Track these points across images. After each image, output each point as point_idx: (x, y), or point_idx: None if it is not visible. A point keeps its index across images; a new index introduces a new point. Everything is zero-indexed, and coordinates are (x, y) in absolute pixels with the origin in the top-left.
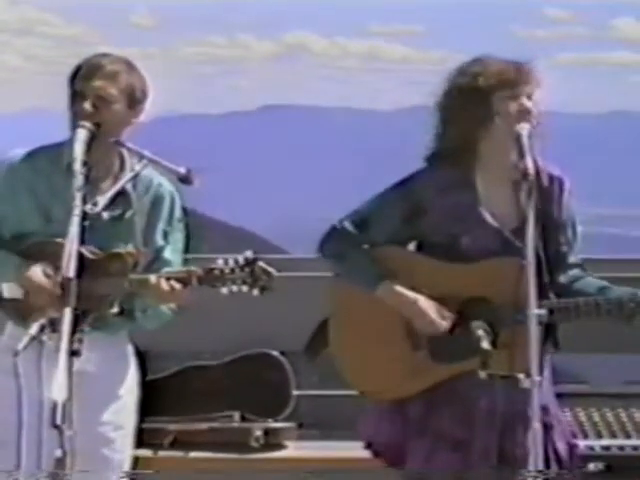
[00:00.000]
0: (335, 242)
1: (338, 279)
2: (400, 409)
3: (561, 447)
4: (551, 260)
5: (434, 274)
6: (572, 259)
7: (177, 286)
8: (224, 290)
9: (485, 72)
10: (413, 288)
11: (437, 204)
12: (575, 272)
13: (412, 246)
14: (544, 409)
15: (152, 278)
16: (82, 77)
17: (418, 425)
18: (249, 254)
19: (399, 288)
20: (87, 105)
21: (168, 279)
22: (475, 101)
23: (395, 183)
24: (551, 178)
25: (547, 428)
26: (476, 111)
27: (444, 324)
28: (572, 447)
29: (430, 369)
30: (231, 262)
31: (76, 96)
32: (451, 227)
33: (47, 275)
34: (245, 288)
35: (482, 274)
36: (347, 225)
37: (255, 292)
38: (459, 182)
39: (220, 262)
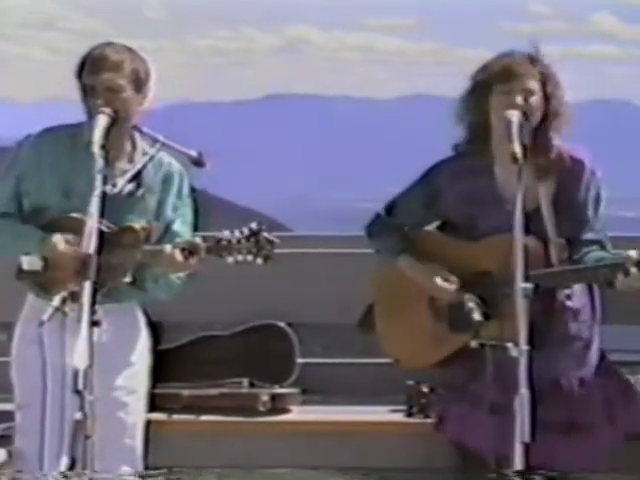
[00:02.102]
0: (372, 225)
1: (379, 266)
2: (447, 380)
3: (592, 420)
4: (570, 238)
5: (451, 250)
6: (589, 236)
7: (189, 256)
8: (230, 259)
9: (487, 67)
10: (432, 262)
11: (455, 189)
12: (588, 249)
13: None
14: (580, 380)
15: (167, 248)
16: (90, 71)
17: (459, 394)
18: (254, 226)
19: (414, 259)
20: (99, 101)
21: (183, 250)
22: (479, 94)
23: (421, 173)
24: (572, 160)
25: (582, 398)
26: (480, 103)
27: (450, 288)
28: (612, 419)
29: (448, 338)
30: (237, 233)
31: (87, 90)
32: (468, 210)
33: (69, 244)
34: (250, 257)
35: (488, 250)
36: (382, 211)
37: (259, 261)
38: (476, 167)
39: (227, 233)
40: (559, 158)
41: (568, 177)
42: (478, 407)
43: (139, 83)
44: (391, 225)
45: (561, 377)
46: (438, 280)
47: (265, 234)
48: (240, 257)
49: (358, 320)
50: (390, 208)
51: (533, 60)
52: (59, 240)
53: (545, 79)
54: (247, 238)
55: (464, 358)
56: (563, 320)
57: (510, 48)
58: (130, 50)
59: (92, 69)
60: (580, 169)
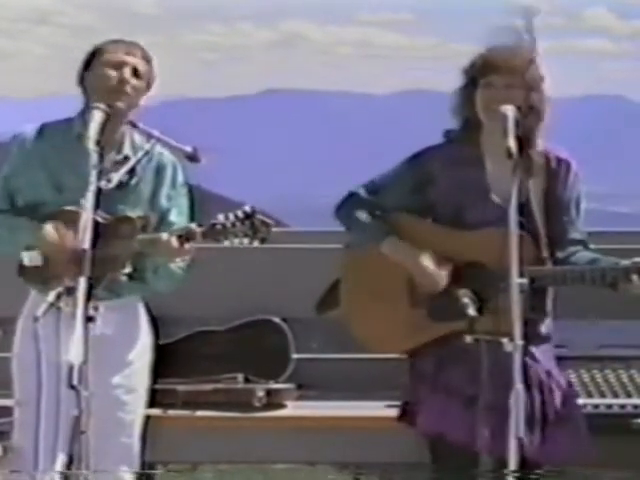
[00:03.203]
0: (348, 206)
1: (350, 243)
2: (414, 369)
3: (561, 409)
4: (554, 236)
5: (437, 239)
6: (573, 235)
7: (185, 243)
8: (226, 243)
9: (474, 60)
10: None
11: (445, 175)
12: (574, 248)
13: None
14: (548, 373)
15: (164, 236)
16: (103, 65)
17: (431, 383)
18: (247, 208)
19: (402, 243)
20: (121, 96)
21: (179, 237)
22: (466, 88)
23: (408, 156)
24: (558, 160)
25: (551, 390)
26: (467, 97)
27: (441, 280)
28: (573, 407)
29: (428, 326)
30: (231, 216)
31: (94, 82)
32: (457, 199)
33: (61, 233)
34: (246, 240)
35: (479, 241)
36: (361, 191)
37: (255, 243)
38: (468, 156)
39: (221, 217)
40: (545, 157)
41: (555, 176)
42: (453, 399)
43: (149, 83)
44: (373, 206)
45: (532, 371)
46: (432, 271)
47: (260, 216)
48: (236, 241)
49: (317, 303)
50: (371, 189)
51: (516, 53)
52: (51, 229)
53: (527, 73)
54: (242, 221)
55: (431, 347)
56: (541, 314)
57: (498, 41)
58: (140, 48)
59: (107, 64)
60: (566, 169)
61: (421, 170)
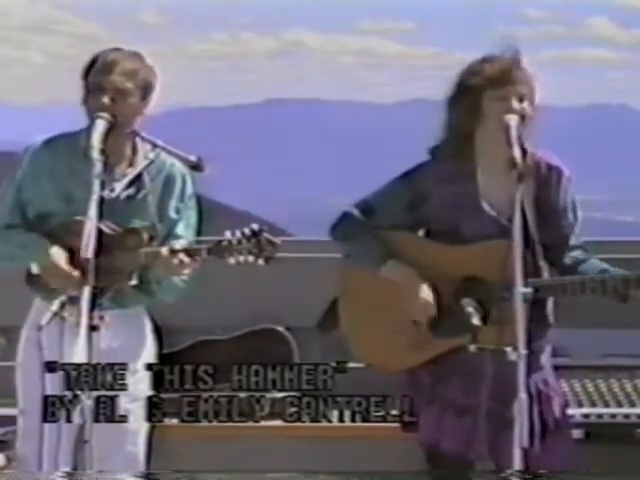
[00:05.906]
0: (344, 227)
1: (346, 261)
2: (413, 379)
3: (559, 416)
4: (554, 243)
5: (434, 255)
6: (573, 241)
7: (186, 259)
8: (231, 261)
9: (478, 72)
10: (415, 268)
11: (439, 193)
12: (577, 253)
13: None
14: (545, 382)
15: (164, 251)
16: (100, 71)
17: (428, 393)
18: (255, 226)
19: (403, 268)
20: (106, 99)
21: (179, 251)
22: (469, 99)
23: (400, 174)
24: (549, 167)
25: (548, 399)
26: (470, 108)
27: (431, 312)
28: (566, 415)
29: (430, 343)
30: (238, 234)
31: (93, 89)
32: (452, 215)
33: (66, 259)
34: (251, 258)
35: (477, 255)
36: (355, 212)
37: (260, 262)
38: (459, 172)
39: (228, 234)
40: (536, 165)
41: (546, 183)
42: (449, 410)
43: (146, 92)
44: (369, 227)
45: (530, 379)
46: (418, 305)
47: (266, 235)
48: (241, 258)
49: (318, 323)
50: (365, 209)
51: (520, 64)
52: (57, 255)
53: (529, 83)
54: (248, 239)
55: (429, 360)
56: (542, 324)
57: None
58: (142, 58)
59: (104, 70)
60: (558, 175)
61: (416, 188)
